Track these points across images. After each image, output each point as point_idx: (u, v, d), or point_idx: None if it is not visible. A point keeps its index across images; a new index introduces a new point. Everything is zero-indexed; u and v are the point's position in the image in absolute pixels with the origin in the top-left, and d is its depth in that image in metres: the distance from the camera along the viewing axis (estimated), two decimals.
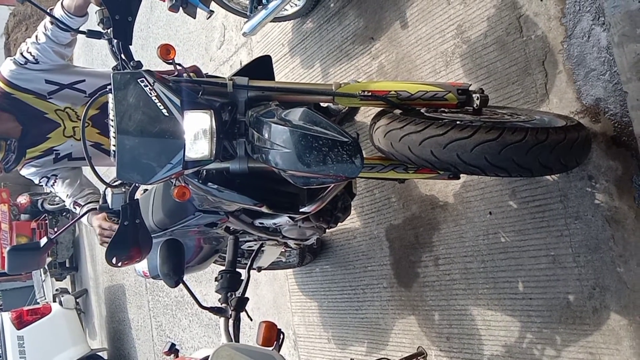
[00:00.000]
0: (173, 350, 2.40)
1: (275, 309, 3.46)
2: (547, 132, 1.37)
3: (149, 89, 1.44)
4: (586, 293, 1.75)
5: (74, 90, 1.95)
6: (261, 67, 1.78)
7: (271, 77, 1.80)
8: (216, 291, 1.69)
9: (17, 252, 1.65)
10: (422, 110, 1.63)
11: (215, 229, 2.18)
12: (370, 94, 1.58)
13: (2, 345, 5.83)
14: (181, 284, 1.55)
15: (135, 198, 1.65)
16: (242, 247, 2.42)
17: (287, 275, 3.32)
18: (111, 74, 1.48)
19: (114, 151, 1.52)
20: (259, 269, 2.91)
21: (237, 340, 1.52)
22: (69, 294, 7.55)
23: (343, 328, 2.86)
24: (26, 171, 2.03)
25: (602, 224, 1.70)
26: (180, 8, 2.71)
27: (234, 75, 1.72)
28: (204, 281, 4.23)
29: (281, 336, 1.45)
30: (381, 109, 1.65)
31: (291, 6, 2.87)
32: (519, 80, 1.91)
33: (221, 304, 1.64)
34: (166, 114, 1.43)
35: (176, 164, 1.46)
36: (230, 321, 1.55)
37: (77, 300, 7.43)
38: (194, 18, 2.82)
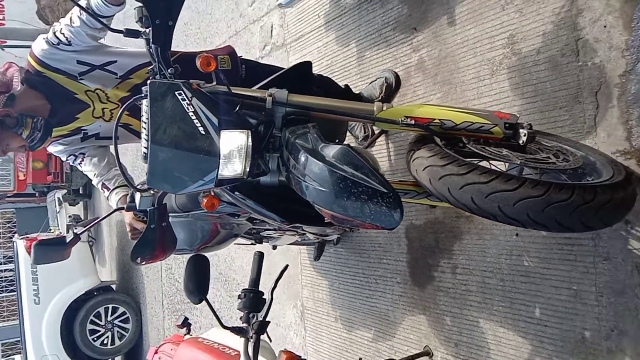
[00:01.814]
0: (186, 324, 2.47)
1: (286, 278, 3.50)
2: (594, 192, 1.31)
3: (187, 103, 1.40)
4: (604, 333, 1.75)
5: (106, 72, 1.90)
6: (300, 74, 1.71)
7: (309, 85, 1.73)
8: (238, 309, 1.70)
9: (44, 247, 1.66)
10: (465, 141, 1.57)
11: (237, 219, 2.18)
12: (413, 121, 1.51)
13: (17, 271, 6.03)
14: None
15: (164, 203, 1.63)
16: (261, 233, 2.43)
17: (300, 248, 3.34)
18: (148, 82, 1.42)
19: (145, 154, 1.49)
20: (274, 247, 2.94)
21: None
22: (82, 225, 7.72)
23: (352, 311, 2.90)
24: (53, 149, 2.01)
25: (632, 270, 1.67)
26: None
27: (271, 81, 1.66)
28: None
29: None
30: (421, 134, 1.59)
31: None
32: (567, 106, 1.82)
33: (242, 324, 1.66)
34: (203, 132, 1.39)
35: (209, 181, 1.43)
36: (250, 343, 1.57)
37: (90, 229, 7.59)
38: None
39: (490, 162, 1.58)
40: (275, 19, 3.45)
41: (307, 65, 1.72)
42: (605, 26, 1.70)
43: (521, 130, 1.52)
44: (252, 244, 2.58)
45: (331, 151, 1.34)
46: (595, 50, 1.73)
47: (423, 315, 2.46)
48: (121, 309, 6.65)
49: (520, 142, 1.52)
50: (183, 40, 4.86)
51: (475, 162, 1.43)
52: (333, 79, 2.81)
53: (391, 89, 2.48)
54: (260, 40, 3.63)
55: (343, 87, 2.60)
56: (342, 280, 2.98)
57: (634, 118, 1.65)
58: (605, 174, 1.49)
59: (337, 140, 2.02)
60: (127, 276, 7.13)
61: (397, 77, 2.46)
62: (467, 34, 2.14)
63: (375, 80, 2.54)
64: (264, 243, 2.57)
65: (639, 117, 1.64)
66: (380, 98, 2.51)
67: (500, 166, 1.55)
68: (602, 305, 1.75)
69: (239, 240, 2.50)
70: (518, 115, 1.57)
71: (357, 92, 2.61)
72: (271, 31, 3.51)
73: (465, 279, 2.23)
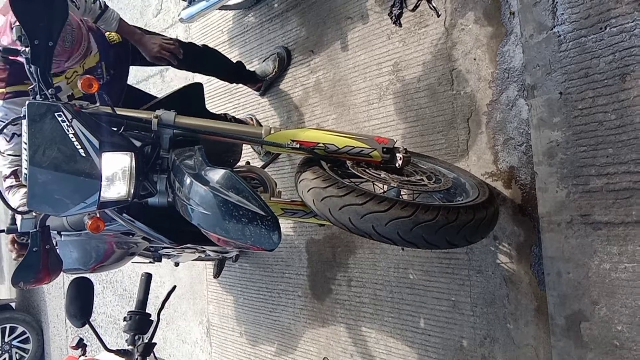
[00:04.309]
0: (81, 345, 2.38)
1: (192, 294, 3.48)
2: (458, 213, 1.44)
3: (67, 125, 1.38)
4: (478, 341, 1.90)
5: None
6: (192, 95, 1.73)
7: (202, 106, 1.76)
8: (124, 331, 1.69)
9: None
10: (348, 164, 1.66)
11: (132, 238, 2.15)
12: (298, 144, 1.58)
13: None
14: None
15: (47, 225, 1.59)
16: (159, 251, 2.40)
17: (205, 264, 3.33)
18: (27, 103, 1.39)
19: (25, 175, 1.46)
20: (176, 264, 2.91)
21: None
22: None
23: (256, 326, 2.93)
24: None
25: (500, 282, 1.83)
26: None
27: (163, 99, 1.67)
28: None
29: None
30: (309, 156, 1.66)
31: None
32: (444, 131, 1.97)
33: (128, 346, 1.64)
34: (83, 154, 1.38)
35: (90, 204, 1.42)
36: None
37: None
38: None
39: (374, 183, 1.68)
40: (180, 31, 3.44)
41: (199, 87, 1.75)
42: (475, 59, 1.87)
43: (397, 155, 1.63)
44: (150, 262, 2.55)
45: (215, 175, 1.37)
46: (467, 80, 1.89)
47: (322, 327, 2.54)
48: (20, 329, 6.22)
49: (397, 165, 1.63)
50: None
51: (358, 183, 1.52)
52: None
53: (284, 64, 2.58)
54: None
55: (235, 63, 2.64)
56: (247, 295, 3.00)
57: (499, 143, 1.82)
58: (472, 195, 1.63)
59: (231, 160, 2.06)
60: (28, 293, 6.69)
61: (288, 52, 2.57)
62: (358, 59, 2.26)
63: (268, 57, 2.62)
64: (163, 260, 2.55)
65: (503, 143, 1.81)
66: (274, 73, 2.59)
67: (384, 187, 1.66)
68: (477, 315, 1.91)
69: (137, 258, 2.47)
70: (395, 140, 1.68)
71: (251, 69, 2.68)
72: None
73: (359, 291, 2.33)
